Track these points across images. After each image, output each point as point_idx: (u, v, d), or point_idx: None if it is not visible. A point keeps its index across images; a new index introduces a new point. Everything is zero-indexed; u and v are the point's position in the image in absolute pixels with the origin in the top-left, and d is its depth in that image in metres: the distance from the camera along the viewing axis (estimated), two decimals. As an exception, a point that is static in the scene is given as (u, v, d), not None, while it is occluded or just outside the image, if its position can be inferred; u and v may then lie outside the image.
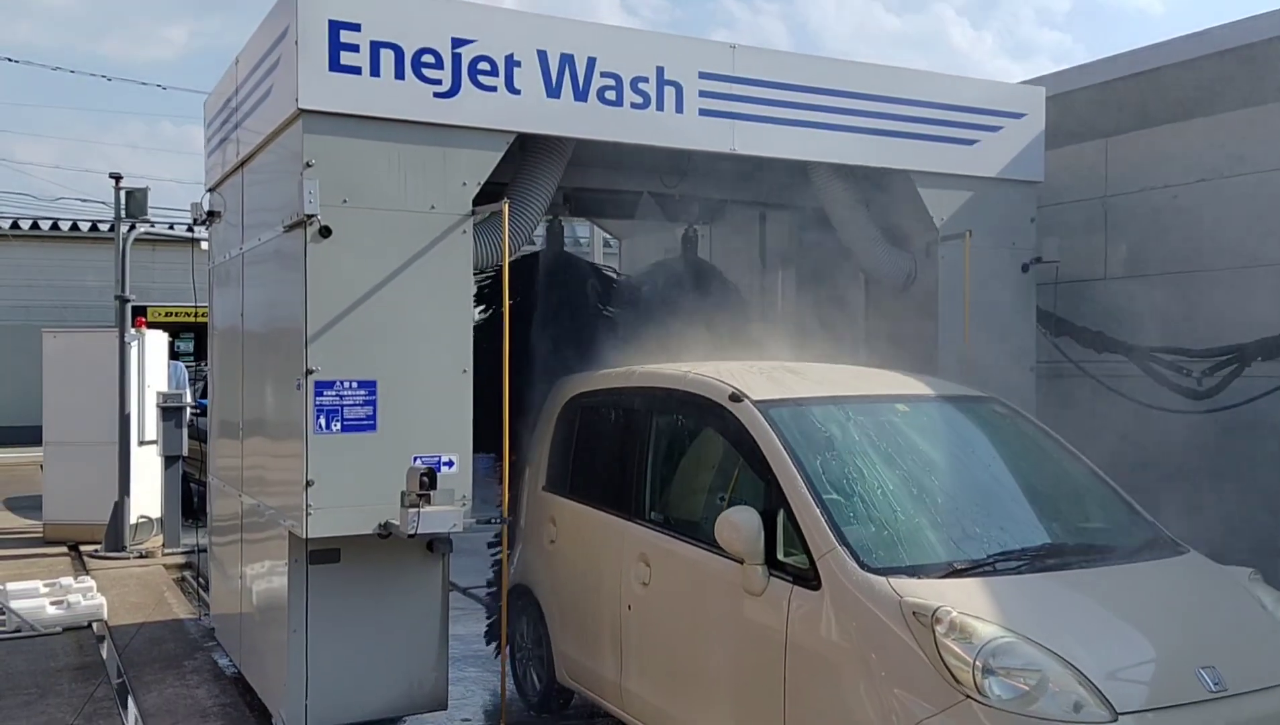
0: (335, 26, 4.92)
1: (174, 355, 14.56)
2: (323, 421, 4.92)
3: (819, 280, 7.24)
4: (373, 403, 5.01)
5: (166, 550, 10.43)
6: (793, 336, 6.15)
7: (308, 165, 4.87)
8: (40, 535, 11.07)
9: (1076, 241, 7.64)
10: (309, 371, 4.89)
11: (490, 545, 6.25)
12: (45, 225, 23.98)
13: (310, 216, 4.82)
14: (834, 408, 4.77)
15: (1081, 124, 7.67)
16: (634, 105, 5.56)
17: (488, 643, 6.66)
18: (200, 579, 8.82)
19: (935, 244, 6.49)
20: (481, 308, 6.53)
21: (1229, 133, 6.93)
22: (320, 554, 5.19)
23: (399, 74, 5.06)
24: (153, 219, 14.50)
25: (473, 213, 5.22)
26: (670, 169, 6.59)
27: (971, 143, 6.54)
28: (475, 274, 5.47)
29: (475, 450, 5.30)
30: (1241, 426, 6.57)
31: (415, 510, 4.80)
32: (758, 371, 5.07)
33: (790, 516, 4.20)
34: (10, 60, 42.72)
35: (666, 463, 5.21)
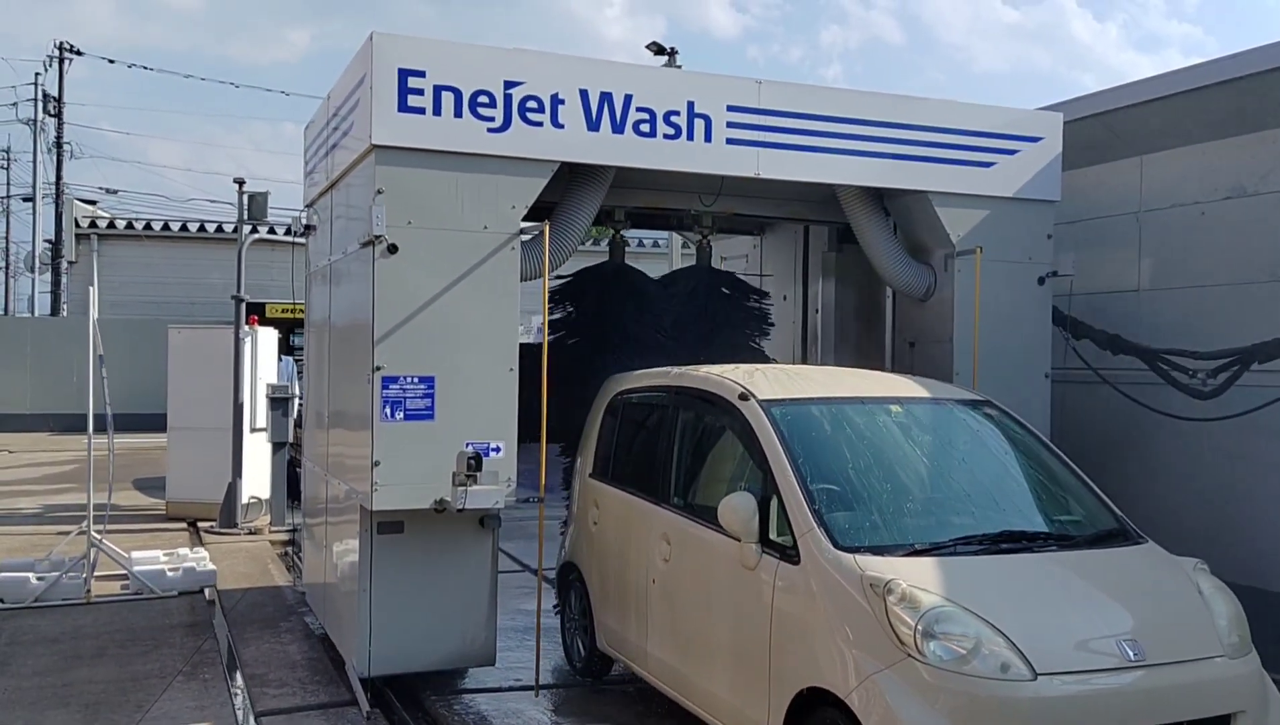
0: (404, 74, 5.70)
1: (288, 350, 15.52)
2: (388, 411, 5.71)
3: (850, 290, 7.80)
4: (431, 396, 5.78)
5: (273, 528, 11.46)
6: (810, 339, 6.73)
7: (379, 192, 5.65)
8: (163, 512, 12.20)
9: (1110, 254, 8.03)
10: (376, 368, 5.68)
11: (561, 532, 6.98)
12: (175, 226, 25.74)
13: (379, 237, 5.62)
14: (831, 407, 5.37)
15: (1118, 141, 8.03)
16: (666, 136, 6.21)
17: (554, 615, 7.40)
18: (298, 552, 9.78)
19: (952, 258, 6.99)
20: (561, 312, 7.30)
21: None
22: (386, 525, 5.99)
23: (458, 113, 5.81)
24: (272, 221, 15.60)
25: (520, 232, 5.96)
26: (704, 189, 7.21)
27: (988, 165, 6.99)
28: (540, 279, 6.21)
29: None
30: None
31: (463, 489, 5.58)
32: (769, 374, 5.67)
33: (780, 502, 4.83)
34: (145, 68, 45.35)
35: (688, 454, 5.85)
